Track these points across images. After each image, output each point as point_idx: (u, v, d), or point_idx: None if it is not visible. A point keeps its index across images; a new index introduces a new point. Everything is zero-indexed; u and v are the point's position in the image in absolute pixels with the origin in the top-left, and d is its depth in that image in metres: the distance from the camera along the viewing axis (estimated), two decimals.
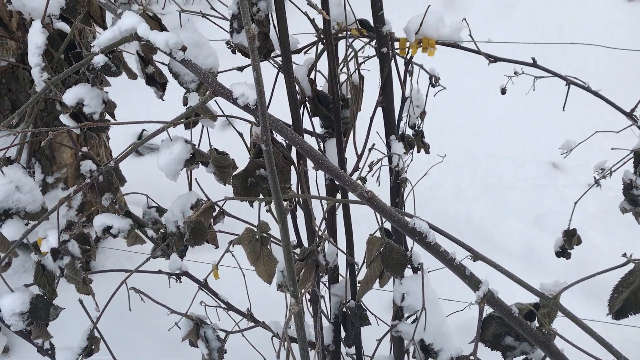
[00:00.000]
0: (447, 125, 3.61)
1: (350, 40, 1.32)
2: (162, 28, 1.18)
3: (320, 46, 1.34)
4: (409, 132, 1.57)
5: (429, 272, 1.13)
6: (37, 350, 1.35)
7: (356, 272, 1.42)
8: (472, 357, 0.99)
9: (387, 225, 1.11)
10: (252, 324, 1.51)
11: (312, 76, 1.34)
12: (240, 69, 1.48)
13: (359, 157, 1.39)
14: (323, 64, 1.29)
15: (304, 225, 1.39)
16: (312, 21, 1.32)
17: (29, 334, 1.29)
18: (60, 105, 1.36)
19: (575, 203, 1.61)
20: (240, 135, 1.29)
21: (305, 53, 1.39)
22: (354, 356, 1.57)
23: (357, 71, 1.38)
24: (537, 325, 1.01)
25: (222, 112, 1.23)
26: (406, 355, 1.45)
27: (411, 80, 1.46)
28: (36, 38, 1.33)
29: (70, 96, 1.25)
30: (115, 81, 1.40)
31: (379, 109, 1.36)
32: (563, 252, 1.66)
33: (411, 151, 1.52)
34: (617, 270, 0.97)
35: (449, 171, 3.28)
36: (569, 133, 2.14)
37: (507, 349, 1.06)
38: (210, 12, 1.42)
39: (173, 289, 1.51)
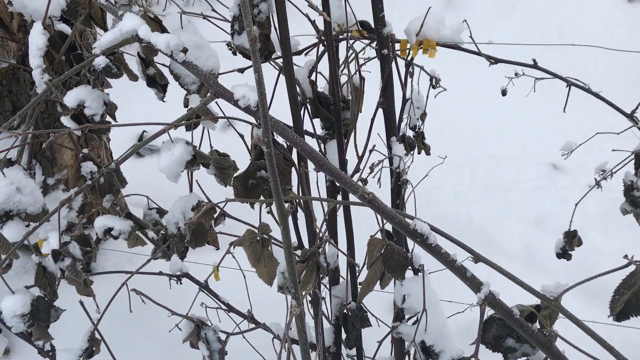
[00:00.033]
0: (447, 127, 3.61)
1: (351, 41, 1.32)
2: (163, 30, 1.18)
3: (321, 48, 1.34)
4: (410, 133, 1.57)
5: (429, 273, 1.13)
6: (38, 351, 1.34)
7: (357, 274, 1.42)
8: (473, 359, 0.99)
9: (388, 226, 1.11)
10: (253, 325, 1.51)
11: (313, 78, 1.34)
12: (241, 70, 1.48)
13: (360, 158, 1.39)
14: (324, 66, 1.29)
15: (304, 226, 1.39)
16: (313, 23, 1.32)
17: (30, 336, 1.29)
18: (61, 107, 1.36)
19: (576, 204, 1.61)
20: (241, 136, 1.29)
21: (306, 54, 1.39)
22: (355, 358, 1.57)
23: (357, 73, 1.38)
24: (539, 327, 1.01)
25: (223, 113, 1.23)
26: (407, 357, 1.45)
27: (412, 81, 1.46)
28: (37, 39, 1.33)
29: (71, 98, 1.25)
30: (115, 82, 1.40)
31: (380, 110, 1.36)
32: (564, 254, 1.66)
33: (412, 152, 1.52)
34: (618, 272, 0.97)
35: (449, 172, 3.28)
36: (570, 134, 2.14)
37: (508, 351, 1.06)
38: (211, 13, 1.42)
39: (174, 290, 1.51)
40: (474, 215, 3.06)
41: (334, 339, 1.48)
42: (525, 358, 1.08)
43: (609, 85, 2.08)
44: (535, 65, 1.41)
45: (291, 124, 1.27)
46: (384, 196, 1.15)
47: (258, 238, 1.14)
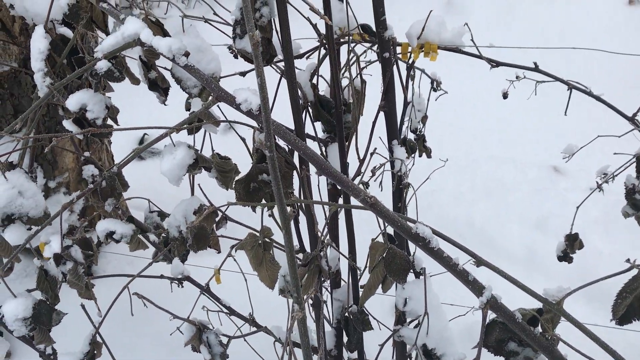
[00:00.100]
0: (448, 129, 3.61)
1: (352, 45, 1.33)
2: (165, 33, 1.18)
3: (323, 51, 1.34)
4: (411, 136, 1.57)
5: (431, 276, 1.13)
6: (40, 355, 1.34)
7: (358, 277, 1.42)
8: None
9: (389, 229, 1.11)
10: (255, 329, 1.51)
11: (314, 81, 1.34)
12: (243, 74, 1.48)
13: (361, 161, 1.39)
14: (325, 69, 1.29)
15: (306, 230, 1.39)
16: (315, 26, 1.32)
17: (32, 339, 1.29)
18: (63, 111, 1.36)
19: (578, 207, 1.61)
20: (243, 140, 1.29)
21: (307, 58, 1.40)
22: None
23: (359, 76, 1.38)
24: (541, 330, 1.01)
25: (225, 117, 1.23)
26: None
27: (413, 84, 1.46)
28: (39, 43, 1.33)
29: (73, 101, 1.25)
30: (117, 86, 1.40)
31: (381, 113, 1.36)
32: (565, 256, 1.66)
33: (413, 155, 1.52)
34: (619, 276, 0.97)
35: (450, 175, 3.28)
36: (570, 137, 2.14)
37: (510, 355, 1.06)
38: (213, 17, 1.43)
39: (175, 293, 1.51)
40: (474, 217, 3.06)
41: (335, 342, 1.48)
42: None
43: (610, 88, 2.08)
44: (536, 68, 1.41)
45: (292, 127, 1.27)
46: (386, 199, 1.15)
47: (260, 242, 1.14)
